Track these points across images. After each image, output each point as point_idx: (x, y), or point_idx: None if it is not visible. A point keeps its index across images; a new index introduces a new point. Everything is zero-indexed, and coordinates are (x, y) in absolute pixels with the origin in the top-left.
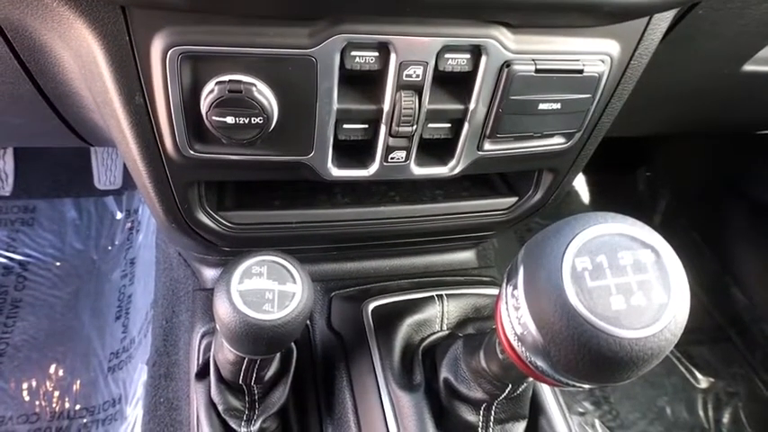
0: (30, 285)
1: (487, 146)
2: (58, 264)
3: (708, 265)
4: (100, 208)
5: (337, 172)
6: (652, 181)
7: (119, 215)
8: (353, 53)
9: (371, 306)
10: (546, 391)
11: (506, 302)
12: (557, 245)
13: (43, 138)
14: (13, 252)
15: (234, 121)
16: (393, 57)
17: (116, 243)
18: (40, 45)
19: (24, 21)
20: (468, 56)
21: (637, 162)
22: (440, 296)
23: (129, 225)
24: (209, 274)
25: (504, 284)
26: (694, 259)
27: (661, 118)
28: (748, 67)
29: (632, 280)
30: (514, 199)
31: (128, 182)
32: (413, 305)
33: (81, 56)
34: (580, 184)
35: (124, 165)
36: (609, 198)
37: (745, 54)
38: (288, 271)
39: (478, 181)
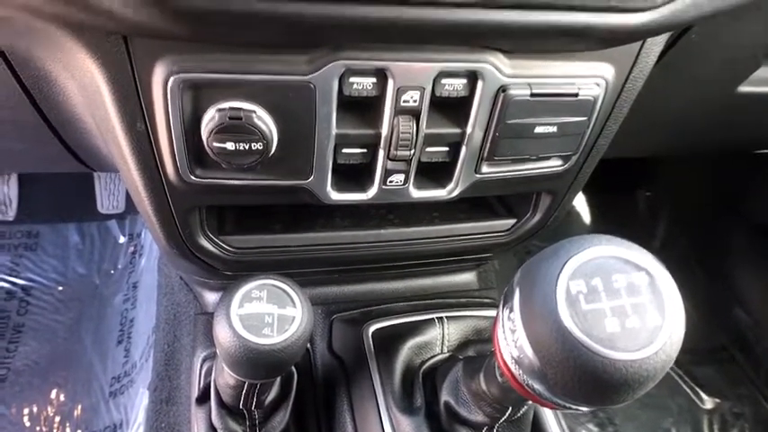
0: (32, 310)
1: (485, 169)
2: (60, 288)
3: (710, 284)
4: (103, 232)
5: (336, 196)
6: (652, 201)
7: (121, 239)
8: (352, 79)
9: (372, 329)
10: (547, 414)
11: (503, 325)
12: (551, 268)
13: (46, 163)
14: (16, 277)
15: (234, 148)
16: (390, 82)
17: (119, 267)
18: (44, 73)
19: (29, 50)
20: (464, 81)
21: (637, 182)
22: (440, 318)
23: (131, 249)
24: (211, 297)
25: (501, 307)
26: (696, 279)
27: (658, 140)
28: (743, 89)
29: (627, 303)
30: (513, 221)
31: (130, 206)
32: (413, 328)
33: (84, 84)
34: (580, 205)
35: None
36: (609, 218)
37: (740, 76)
38: (287, 295)
39: (477, 203)
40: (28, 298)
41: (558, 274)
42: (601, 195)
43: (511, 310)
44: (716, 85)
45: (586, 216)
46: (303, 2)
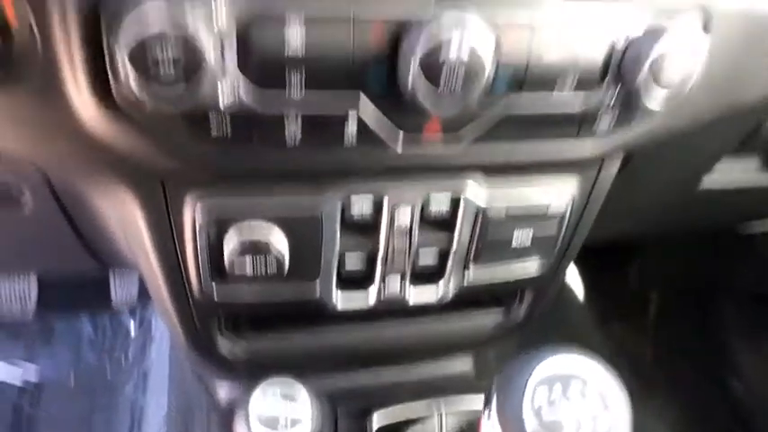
0: (45, 402)
1: (472, 275)
2: (72, 379)
3: (704, 357)
4: (114, 323)
5: (342, 305)
6: (644, 274)
7: (133, 329)
8: (353, 204)
9: (375, 425)
10: None
11: (484, 427)
12: (519, 380)
13: (68, 263)
14: (30, 369)
15: (252, 270)
16: (386, 206)
17: (130, 357)
18: (83, 199)
19: (73, 183)
20: (448, 203)
21: (628, 256)
22: (439, 413)
23: (143, 339)
24: (224, 391)
25: (483, 407)
26: (690, 352)
27: (632, 230)
28: (705, 186)
29: (582, 411)
30: (501, 314)
31: (143, 295)
32: (413, 423)
33: (120, 210)
34: (573, 279)
35: (139, 279)
36: (601, 292)
37: (699, 174)
38: (300, 396)
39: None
40: (41, 390)
41: (525, 386)
42: (593, 270)
43: (489, 416)
44: (678, 185)
45: (579, 291)
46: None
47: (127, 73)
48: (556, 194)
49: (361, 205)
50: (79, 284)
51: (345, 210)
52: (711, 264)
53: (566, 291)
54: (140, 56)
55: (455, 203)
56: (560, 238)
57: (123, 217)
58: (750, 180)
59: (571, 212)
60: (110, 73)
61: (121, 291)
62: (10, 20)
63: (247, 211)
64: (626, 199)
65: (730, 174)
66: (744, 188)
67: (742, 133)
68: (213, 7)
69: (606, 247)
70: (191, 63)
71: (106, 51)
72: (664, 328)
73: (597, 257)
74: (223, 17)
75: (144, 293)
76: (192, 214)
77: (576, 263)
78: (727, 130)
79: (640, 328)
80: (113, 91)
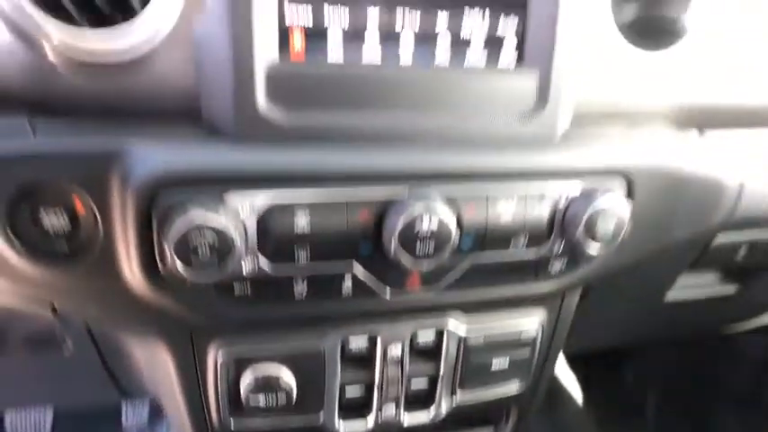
0: None
1: (459, 397)
2: None
3: None
4: None
5: (343, 430)
6: (640, 376)
7: None
8: (351, 345)
9: None
10: None
11: None
12: None
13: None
14: None
15: (265, 403)
16: (379, 343)
17: None
18: (118, 344)
19: (112, 332)
20: (433, 336)
21: (624, 359)
22: None
23: None
24: None
25: None
26: None
27: (612, 341)
28: (671, 299)
29: None
30: (492, 430)
31: (153, 420)
32: None
33: (151, 354)
34: (571, 384)
35: (150, 405)
36: (597, 392)
37: (661, 291)
38: None
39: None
40: None
41: None
42: (590, 369)
43: None
44: (642, 302)
45: (578, 395)
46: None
47: (172, 257)
48: (526, 323)
49: (358, 343)
50: (92, 412)
51: (345, 347)
52: (703, 365)
53: (564, 395)
54: (183, 246)
55: (439, 336)
56: (534, 360)
57: (153, 359)
58: (713, 291)
59: (542, 337)
60: (158, 257)
61: (133, 416)
62: (78, 209)
63: (261, 354)
64: (597, 316)
65: (694, 287)
66: (709, 298)
67: (691, 256)
68: (240, 208)
69: (601, 351)
70: (223, 248)
71: (156, 242)
72: (662, 430)
73: (594, 361)
74: (247, 211)
75: (154, 418)
76: (214, 359)
77: (574, 368)
78: (676, 256)
79: (639, 430)
80: (159, 269)
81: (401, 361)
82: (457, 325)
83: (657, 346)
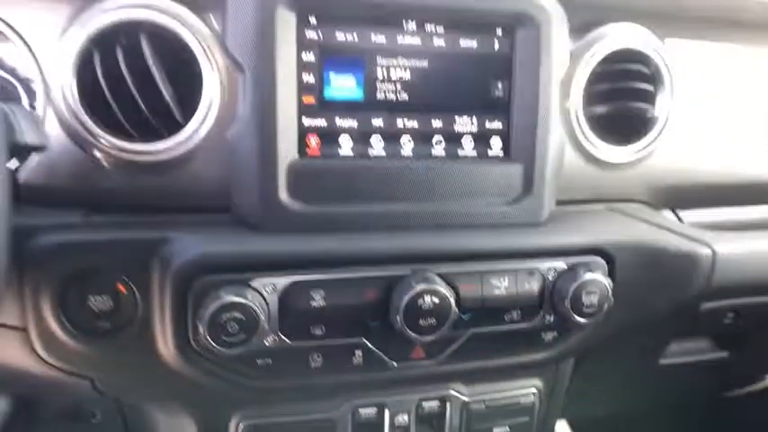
0: None
1: None
2: None
3: None
4: None
5: None
6: None
7: None
8: (361, 414)
9: None
10: None
11: None
12: None
13: None
14: None
15: None
16: (387, 410)
17: None
18: (143, 413)
19: (140, 403)
20: (438, 403)
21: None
22: None
23: None
24: None
25: None
26: None
27: (613, 405)
28: (664, 361)
29: None
30: None
31: None
32: None
33: (174, 423)
34: None
35: None
36: None
37: (654, 356)
38: None
39: None
40: None
41: None
42: None
43: None
44: (638, 364)
45: None
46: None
47: (205, 333)
48: (524, 391)
49: (367, 412)
50: None
51: (355, 415)
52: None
53: None
54: (215, 324)
55: (443, 403)
56: (534, 427)
57: (178, 429)
58: (707, 356)
59: (539, 404)
60: (190, 333)
61: None
62: (120, 290)
63: (279, 421)
64: (594, 383)
65: (687, 353)
66: (705, 362)
67: (680, 324)
68: (264, 289)
69: (604, 419)
70: (249, 325)
71: (189, 320)
72: None
73: (597, 429)
74: (269, 292)
75: None
76: (236, 427)
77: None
78: (665, 324)
79: None
80: (191, 344)
81: (408, 429)
82: (459, 393)
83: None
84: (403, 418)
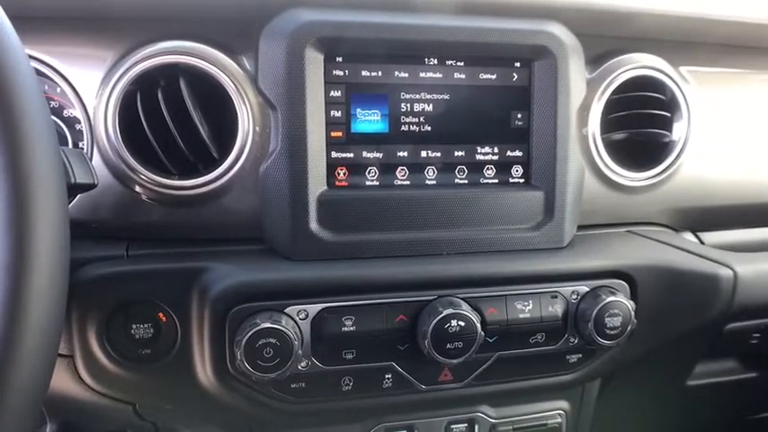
0: None
1: None
2: None
3: None
4: None
5: None
6: None
7: None
8: None
9: None
10: None
11: None
12: None
13: None
14: None
15: None
16: None
17: None
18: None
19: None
20: (466, 425)
21: None
22: None
23: None
24: None
25: None
26: None
27: (639, 429)
28: (691, 382)
29: None
30: None
31: None
32: None
33: None
34: None
35: None
36: None
37: (682, 377)
38: None
39: None
40: None
41: None
42: None
43: None
44: (666, 383)
45: None
46: None
47: (242, 358)
48: (551, 412)
49: None
50: None
51: None
52: None
53: None
54: (252, 349)
55: (471, 425)
56: None
57: None
58: (735, 377)
59: (567, 423)
60: (228, 359)
61: None
62: (161, 319)
63: None
64: (621, 405)
65: (715, 374)
66: (732, 382)
67: (705, 345)
68: (297, 315)
69: None
70: (284, 351)
71: (227, 345)
72: None
73: None
74: (303, 318)
75: None
76: None
77: None
78: (690, 345)
79: None
80: (228, 368)
81: None
82: (487, 415)
83: None
84: None
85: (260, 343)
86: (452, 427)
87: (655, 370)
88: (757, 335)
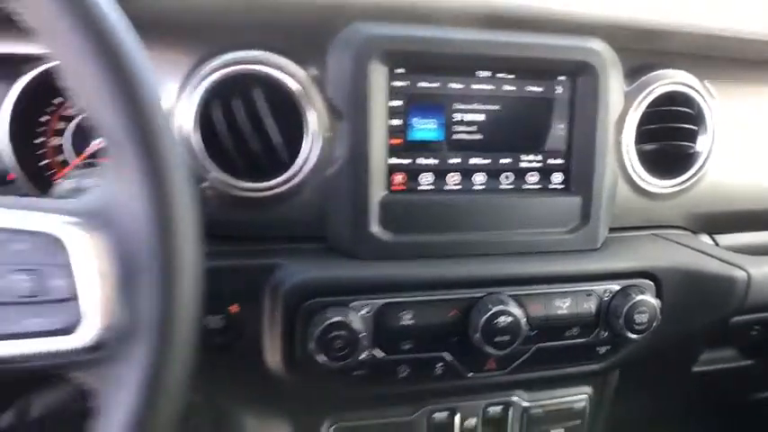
0: None
1: None
2: None
3: None
4: None
5: None
6: None
7: None
8: (435, 417)
9: None
10: None
11: None
12: None
13: None
14: None
15: None
16: (458, 414)
17: None
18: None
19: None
20: (501, 408)
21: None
22: None
23: None
24: None
25: None
26: None
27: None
28: (696, 369)
29: None
30: None
31: None
32: None
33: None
34: None
35: None
36: None
37: (687, 365)
38: None
39: None
40: None
41: None
42: None
43: None
44: (672, 368)
45: None
46: None
47: (314, 348)
48: (577, 397)
49: (441, 416)
50: None
51: (429, 419)
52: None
53: None
54: (323, 339)
55: (506, 408)
56: (585, 427)
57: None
58: (734, 364)
59: (590, 409)
60: (298, 348)
61: None
62: (232, 311)
63: (363, 425)
64: (636, 388)
65: (717, 361)
66: (734, 368)
67: (711, 337)
68: (362, 309)
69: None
70: (351, 341)
71: (298, 336)
72: None
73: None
74: (366, 312)
75: None
76: (327, 429)
77: None
78: (697, 337)
79: None
80: (297, 356)
81: (474, 431)
82: (521, 399)
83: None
84: (471, 422)
85: (331, 335)
86: (489, 409)
87: (667, 359)
88: (759, 327)
